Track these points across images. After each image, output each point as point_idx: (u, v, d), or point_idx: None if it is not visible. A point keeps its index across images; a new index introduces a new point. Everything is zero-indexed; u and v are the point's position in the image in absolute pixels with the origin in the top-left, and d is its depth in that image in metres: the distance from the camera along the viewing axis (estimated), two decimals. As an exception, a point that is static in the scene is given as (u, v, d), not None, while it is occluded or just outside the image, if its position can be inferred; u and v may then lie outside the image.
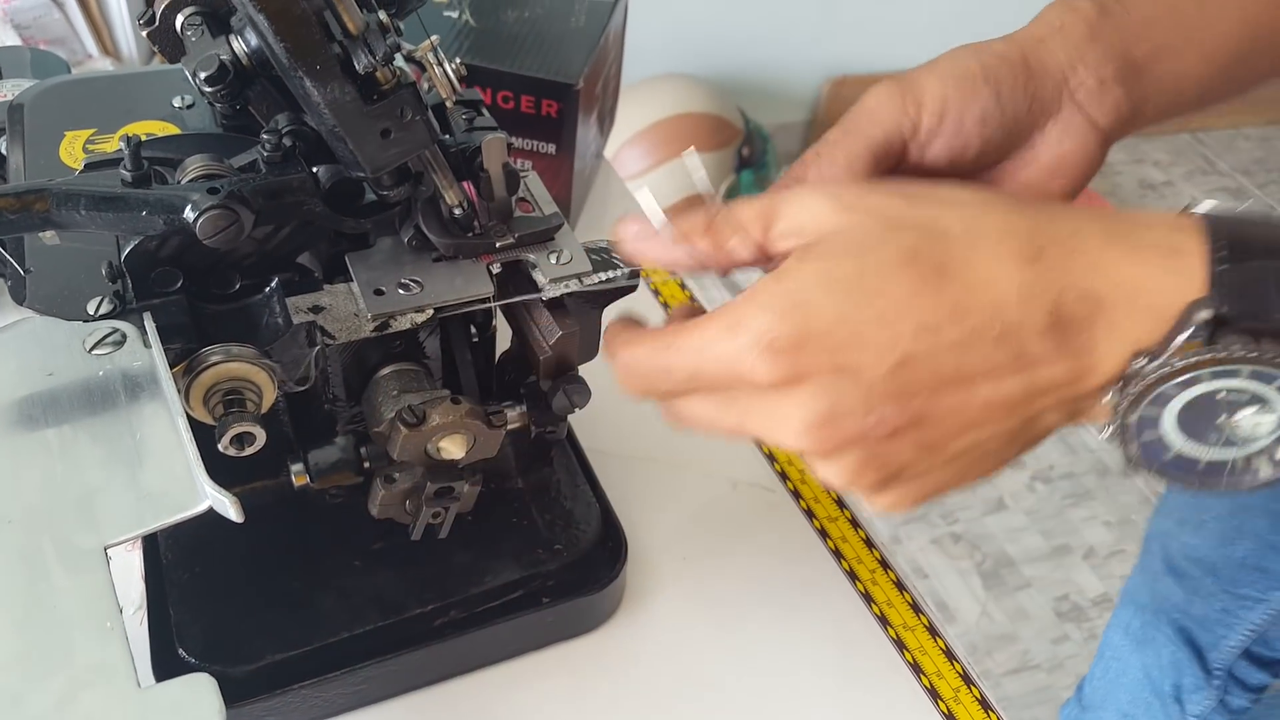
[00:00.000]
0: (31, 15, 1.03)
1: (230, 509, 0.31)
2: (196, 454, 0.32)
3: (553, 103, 0.60)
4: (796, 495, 0.56)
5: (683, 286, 0.67)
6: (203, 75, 0.36)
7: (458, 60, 0.33)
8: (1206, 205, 0.33)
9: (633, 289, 0.44)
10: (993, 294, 0.30)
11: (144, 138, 0.43)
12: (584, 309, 0.43)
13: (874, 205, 0.32)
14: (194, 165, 0.37)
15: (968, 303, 0.30)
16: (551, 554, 0.47)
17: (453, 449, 0.41)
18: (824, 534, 0.55)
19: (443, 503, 0.43)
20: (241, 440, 0.37)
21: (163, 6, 0.46)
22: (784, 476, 0.57)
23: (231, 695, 0.37)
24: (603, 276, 0.43)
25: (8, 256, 0.39)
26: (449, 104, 0.35)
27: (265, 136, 0.37)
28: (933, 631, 0.51)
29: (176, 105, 0.47)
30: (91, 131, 0.46)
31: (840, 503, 0.57)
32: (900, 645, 0.50)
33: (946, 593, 1.63)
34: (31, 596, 0.30)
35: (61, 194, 0.34)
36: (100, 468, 0.33)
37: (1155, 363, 0.29)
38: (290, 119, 0.39)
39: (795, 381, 0.31)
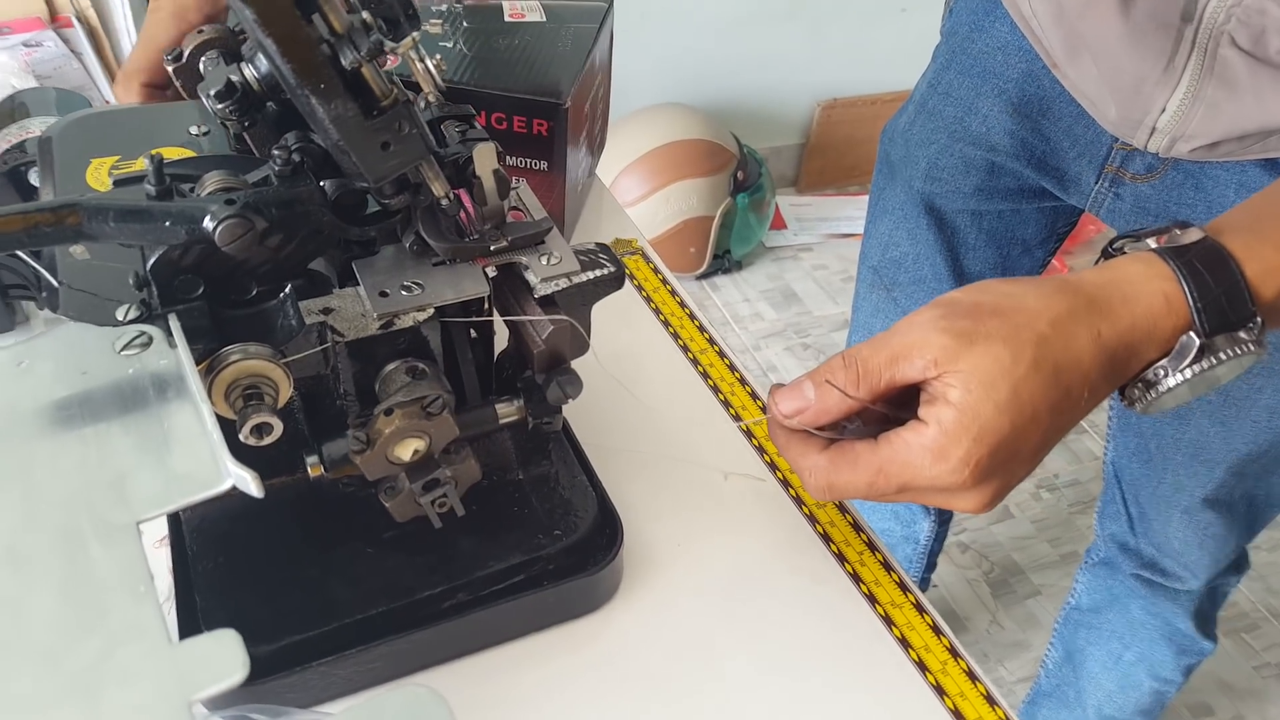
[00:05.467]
0: (52, 65, 1.09)
1: (251, 484, 0.34)
2: (220, 437, 0.36)
3: (543, 122, 0.63)
4: (785, 484, 0.59)
5: (673, 294, 0.71)
6: (212, 92, 0.40)
7: (437, 57, 0.37)
8: (1152, 242, 0.48)
9: (619, 286, 0.47)
10: (1083, 369, 0.44)
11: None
12: (574, 305, 0.46)
13: (984, 332, 0.43)
14: (212, 180, 0.40)
15: (1072, 381, 0.44)
16: (551, 539, 0.49)
17: (405, 453, 0.44)
18: (813, 519, 0.57)
19: (437, 493, 0.46)
20: (260, 430, 0.40)
21: (191, 47, 0.50)
22: (773, 467, 0.60)
23: (253, 673, 0.39)
24: (590, 275, 0.46)
25: (42, 270, 0.42)
26: (430, 98, 0.38)
27: (276, 153, 0.41)
28: (919, 608, 0.53)
29: (193, 133, 0.51)
30: (116, 158, 0.49)
31: (828, 490, 0.59)
32: (889, 621, 0.53)
33: (955, 601, 1.64)
34: (71, 567, 0.32)
35: (92, 207, 0.37)
36: (131, 454, 0.36)
37: (1172, 376, 0.45)
38: (299, 137, 0.42)
39: (984, 480, 0.43)
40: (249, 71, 0.43)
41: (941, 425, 0.43)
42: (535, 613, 0.49)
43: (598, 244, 0.48)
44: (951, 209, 0.91)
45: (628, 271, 0.72)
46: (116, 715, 0.29)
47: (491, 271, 0.45)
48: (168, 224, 0.38)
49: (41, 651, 0.30)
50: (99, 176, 0.49)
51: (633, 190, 1.89)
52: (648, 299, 0.70)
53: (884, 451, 0.44)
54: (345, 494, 0.49)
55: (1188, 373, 0.45)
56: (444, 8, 0.70)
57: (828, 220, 2.33)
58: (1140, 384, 0.47)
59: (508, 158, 0.65)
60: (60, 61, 1.11)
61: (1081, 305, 0.45)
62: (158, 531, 0.51)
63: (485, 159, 0.42)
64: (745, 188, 2.01)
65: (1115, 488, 0.98)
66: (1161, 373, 0.46)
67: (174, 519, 0.49)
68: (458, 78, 0.64)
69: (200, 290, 0.42)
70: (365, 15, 0.35)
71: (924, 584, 1.37)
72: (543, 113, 0.63)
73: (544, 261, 0.45)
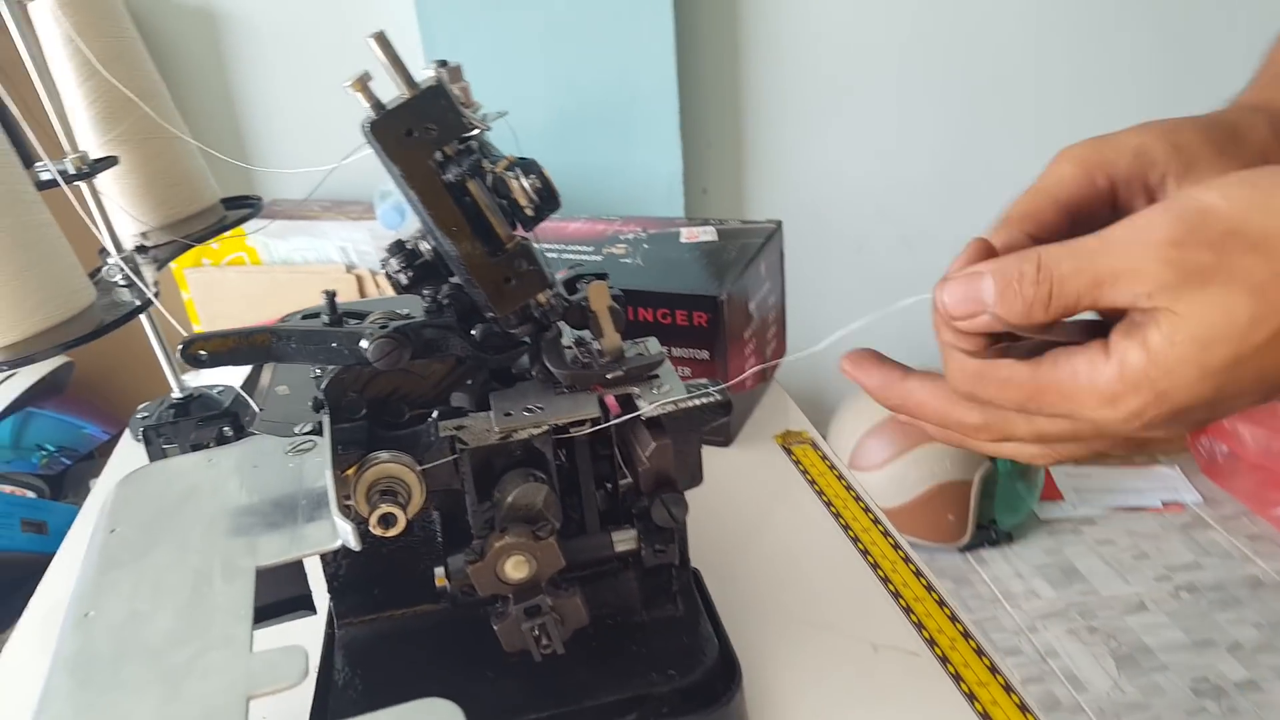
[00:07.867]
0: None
1: (351, 537, 0.39)
2: (337, 502, 0.41)
3: (702, 314, 0.69)
4: (944, 660, 0.54)
5: (839, 478, 0.70)
6: (385, 247, 0.49)
7: (533, 175, 0.44)
8: None
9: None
10: None
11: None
12: (681, 430, 0.48)
13: (1229, 271, 0.33)
14: (374, 314, 0.49)
15: None
16: (665, 678, 0.48)
17: (515, 572, 0.46)
18: (972, 697, 0.51)
19: (536, 620, 0.47)
20: (386, 520, 0.45)
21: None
22: (932, 643, 0.55)
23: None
24: (695, 401, 0.49)
25: (249, 398, 0.52)
26: (528, 211, 0.45)
27: (425, 293, 0.49)
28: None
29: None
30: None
31: (993, 669, 0.53)
32: (1052, 805, 0.45)
33: (1077, 667, 1.38)
34: (195, 594, 0.38)
35: (279, 331, 0.47)
36: (269, 528, 0.42)
37: None
38: (451, 288, 0.51)
39: (1147, 433, 0.36)
40: (423, 245, 0.54)
41: (1125, 367, 0.35)
42: (642, 751, 0.47)
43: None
44: None
45: (794, 458, 0.73)
46: (188, 699, 0.33)
47: (610, 401, 0.50)
48: (335, 345, 0.47)
49: (151, 650, 0.35)
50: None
51: (878, 453, 1.87)
52: (812, 482, 0.70)
53: (1047, 374, 0.37)
54: (474, 624, 0.52)
55: None
56: (630, 236, 0.81)
57: (1112, 492, 2.13)
58: None
59: (673, 349, 0.71)
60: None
61: None
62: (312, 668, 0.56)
63: (598, 295, 0.48)
64: (1004, 453, 1.92)
65: None
66: None
67: (329, 638, 0.54)
68: (633, 285, 0.72)
69: (363, 411, 0.49)
70: (472, 143, 0.43)
71: None
72: (701, 305, 0.69)
73: (654, 391, 0.49)
